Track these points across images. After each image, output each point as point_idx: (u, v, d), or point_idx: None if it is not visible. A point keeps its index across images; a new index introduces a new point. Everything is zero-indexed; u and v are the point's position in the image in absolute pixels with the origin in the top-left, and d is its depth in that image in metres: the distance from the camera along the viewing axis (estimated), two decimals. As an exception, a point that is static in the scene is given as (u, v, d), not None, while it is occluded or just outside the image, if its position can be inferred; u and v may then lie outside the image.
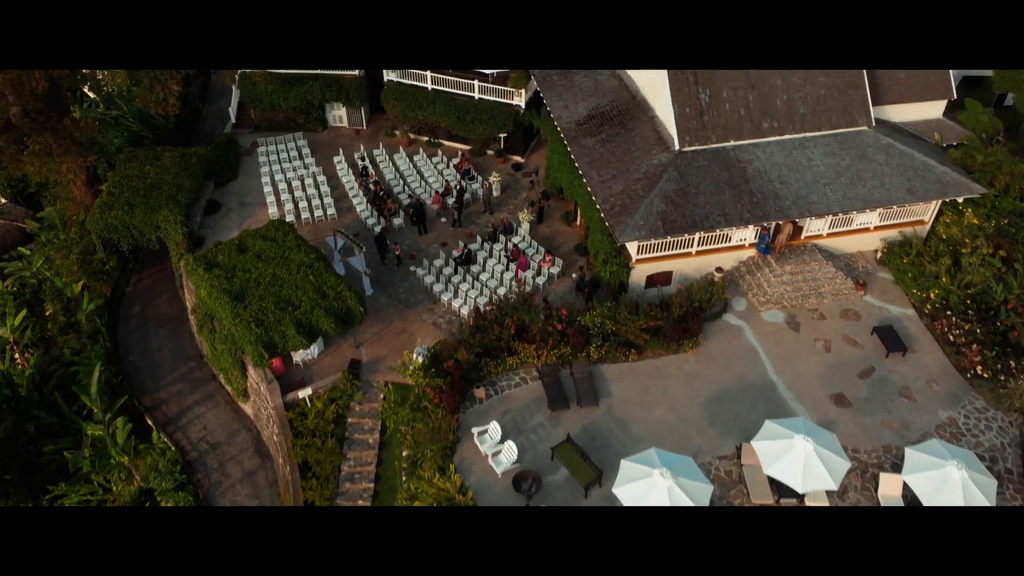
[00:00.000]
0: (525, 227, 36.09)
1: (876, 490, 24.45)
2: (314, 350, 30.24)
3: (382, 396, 28.64)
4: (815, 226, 32.43)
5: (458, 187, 37.89)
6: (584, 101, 34.85)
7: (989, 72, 42.41)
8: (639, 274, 31.45)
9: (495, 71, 38.88)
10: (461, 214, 37.17)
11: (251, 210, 37.89)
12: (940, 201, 32.09)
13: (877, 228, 32.93)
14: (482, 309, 30.32)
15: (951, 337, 28.91)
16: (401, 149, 41.82)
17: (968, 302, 29.46)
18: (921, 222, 33.10)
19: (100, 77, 37.21)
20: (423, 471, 24.74)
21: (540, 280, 33.25)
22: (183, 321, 35.18)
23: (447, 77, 40.21)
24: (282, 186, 38.48)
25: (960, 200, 31.79)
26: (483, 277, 33.64)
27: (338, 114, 43.52)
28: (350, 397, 28.88)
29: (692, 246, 31.47)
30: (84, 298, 34.84)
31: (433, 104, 40.58)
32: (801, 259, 32.12)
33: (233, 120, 43.32)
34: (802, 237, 32.80)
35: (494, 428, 25.54)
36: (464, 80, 39.86)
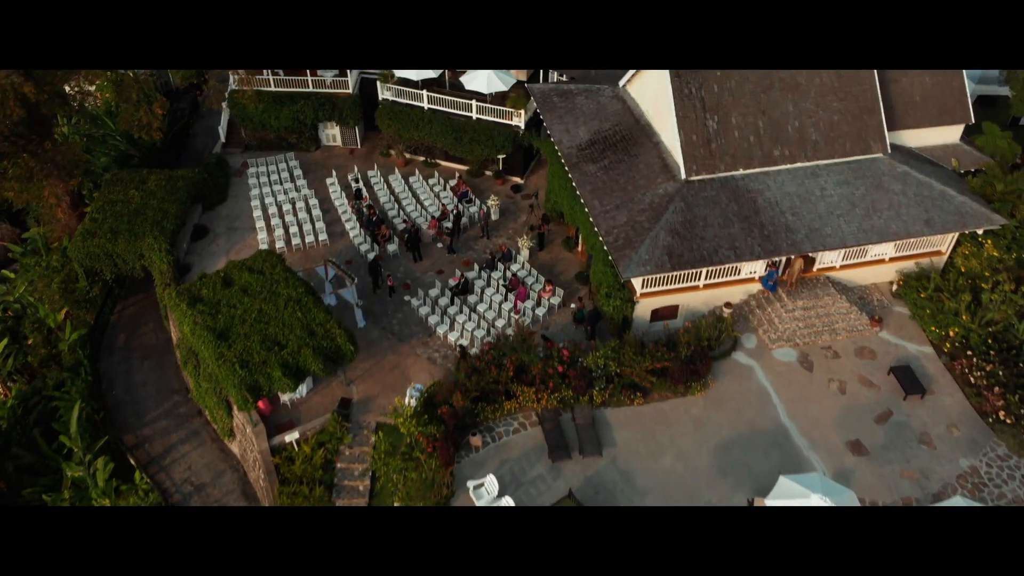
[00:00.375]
0: (524, 254, 34.66)
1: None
2: (303, 389, 28.85)
3: (372, 441, 27.23)
4: (828, 258, 31.01)
5: (455, 211, 36.50)
6: (586, 124, 33.38)
7: (1004, 91, 40.98)
8: (644, 308, 30.04)
9: (492, 92, 37.47)
10: (457, 239, 35.77)
11: (240, 235, 36.48)
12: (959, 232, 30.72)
13: (893, 259, 31.51)
14: (478, 348, 28.89)
15: (971, 379, 27.54)
16: (397, 170, 40.44)
17: (989, 341, 28.10)
18: (939, 252, 31.69)
19: (86, 98, 35.75)
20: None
21: (540, 311, 31.85)
22: (168, 352, 33.73)
23: (444, 97, 38.81)
24: (272, 210, 37.09)
25: (980, 231, 30.42)
26: (480, 308, 32.22)
27: (332, 133, 42.11)
28: (339, 440, 27.50)
29: (700, 279, 30.06)
30: (67, 327, 33.44)
31: (429, 124, 39.23)
32: (814, 293, 30.69)
33: (223, 139, 41.93)
34: (815, 269, 31.38)
35: (491, 482, 24.16)
36: (461, 100, 38.46)
